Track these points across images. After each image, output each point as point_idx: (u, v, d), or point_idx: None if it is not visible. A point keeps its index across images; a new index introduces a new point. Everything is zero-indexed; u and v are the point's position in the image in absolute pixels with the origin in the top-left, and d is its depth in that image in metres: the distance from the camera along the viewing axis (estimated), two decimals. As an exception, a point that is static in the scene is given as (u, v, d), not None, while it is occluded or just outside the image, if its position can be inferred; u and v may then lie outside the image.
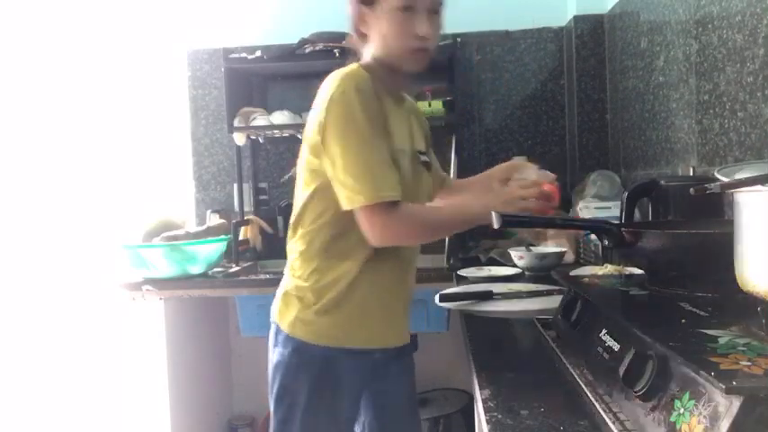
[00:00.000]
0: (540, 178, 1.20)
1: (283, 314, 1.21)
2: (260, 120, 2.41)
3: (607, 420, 0.67)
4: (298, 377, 1.19)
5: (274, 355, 1.21)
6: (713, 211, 1.26)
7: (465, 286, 1.51)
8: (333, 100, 1.08)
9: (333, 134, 1.08)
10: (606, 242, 1.08)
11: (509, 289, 1.37)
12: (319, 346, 1.17)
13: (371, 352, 1.22)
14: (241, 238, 2.40)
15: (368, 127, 1.08)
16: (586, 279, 1.16)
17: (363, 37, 1.18)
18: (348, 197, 1.08)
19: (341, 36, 2.36)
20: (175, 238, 2.08)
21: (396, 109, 1.21)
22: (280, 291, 1.25)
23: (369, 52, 1.18)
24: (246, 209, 2.64)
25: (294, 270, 1.22)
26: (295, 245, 1.21)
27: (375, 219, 1.08)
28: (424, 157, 1.28)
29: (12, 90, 2.53)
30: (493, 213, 0.99)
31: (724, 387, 0.50)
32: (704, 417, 0.51)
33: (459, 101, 2.48)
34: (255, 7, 2.67)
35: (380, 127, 1.11)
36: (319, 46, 2.35)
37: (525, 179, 1.20)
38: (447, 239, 2.00)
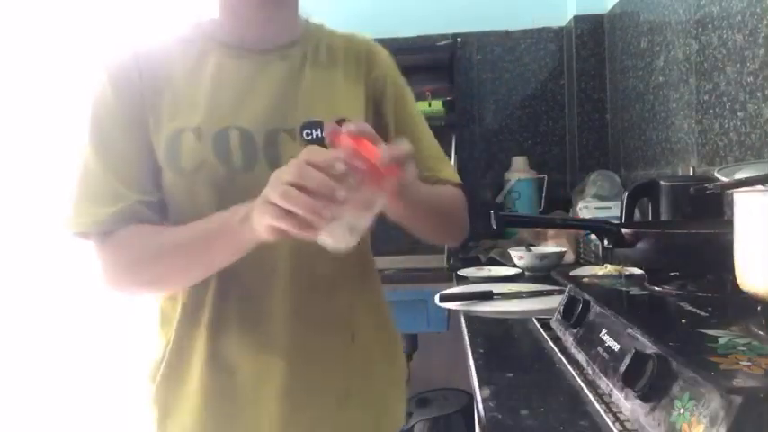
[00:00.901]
0: (341, 153, 0.62)
1: None
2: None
3: (607, 420, 0.67)
4: None
5: None
6: (713, 211, 1.27)
7: (465, 286, 1.51)
8: None
9: None
10: (606, 242, 1.08)
11: (509, 289, 1.37)
12: None
13: None
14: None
15: (89, 133, 0.82)
16: (586, 279, 1.15)
17: None
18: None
19: (341, 36, 2.36)
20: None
21: (239, 65, 0.87)
22: None
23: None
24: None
25: None
26: None
27: (92, 257, 0.80)
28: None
29: (11, 89, 2.53)
30: (492, 214, 0.92)
31: (724, 387, 0.50)
32: (704, 417, 0.51)
33: (459, 101, 2.47)
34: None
35: (114, 120, 0.82)
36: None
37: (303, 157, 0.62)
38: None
